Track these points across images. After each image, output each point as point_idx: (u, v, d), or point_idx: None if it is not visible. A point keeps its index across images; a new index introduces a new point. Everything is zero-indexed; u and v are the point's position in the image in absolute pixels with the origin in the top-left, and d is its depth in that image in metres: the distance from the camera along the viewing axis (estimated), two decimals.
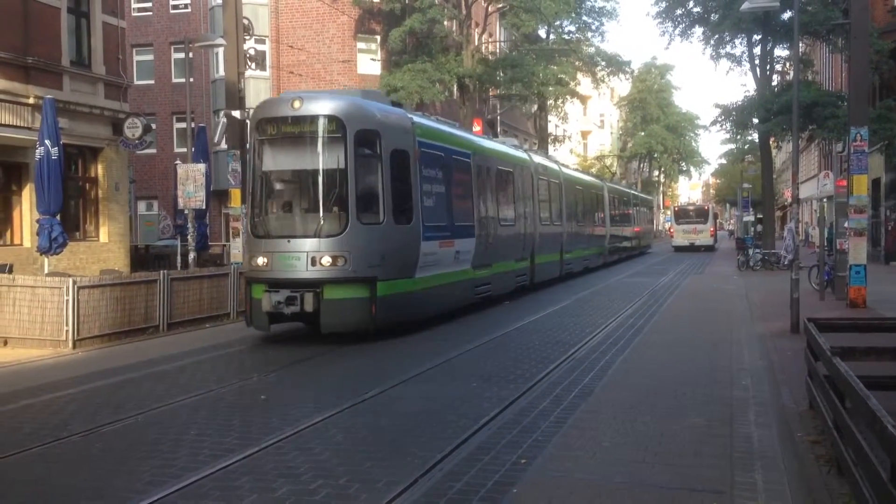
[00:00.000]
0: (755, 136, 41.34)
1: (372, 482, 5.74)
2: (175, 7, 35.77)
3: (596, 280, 26.02)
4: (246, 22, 18.52)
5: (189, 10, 35.36)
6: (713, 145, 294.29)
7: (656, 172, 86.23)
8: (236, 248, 17.50)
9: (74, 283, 12.60)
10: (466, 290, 16.39)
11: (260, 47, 30.32)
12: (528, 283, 21.17)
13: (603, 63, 44.68)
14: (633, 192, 48.39)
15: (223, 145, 22.40)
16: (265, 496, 5.50)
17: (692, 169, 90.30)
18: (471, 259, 16.48)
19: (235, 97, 17.65)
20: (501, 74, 36.44)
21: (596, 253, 31.40)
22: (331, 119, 12.74)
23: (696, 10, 37.62)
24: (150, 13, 35.87)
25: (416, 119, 14.86)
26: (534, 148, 40.82)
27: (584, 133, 78.56)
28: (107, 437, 7.21)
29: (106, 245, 20.78)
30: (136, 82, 32.11)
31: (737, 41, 37.49)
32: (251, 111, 14.99)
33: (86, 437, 7.15)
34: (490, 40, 43.06)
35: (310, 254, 12.34)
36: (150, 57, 35.87)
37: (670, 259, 39.77)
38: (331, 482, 5.76)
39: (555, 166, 26.11)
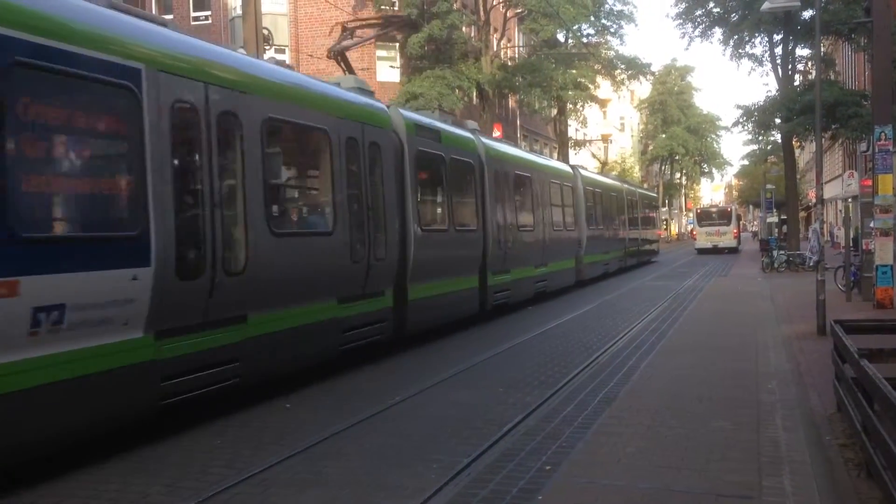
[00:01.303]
0: (778, 137, 41.06)
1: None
2: (196, 19, 36.11)
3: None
4: (266, 32, 18.68)
5: (210, 21, 35.70)
6: (735, 146, 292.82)
7: (678, 175, 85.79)
8: None
9: None
10: (123, 399, 7.00)
11: (280, 57, 30.53)
12: (386, 339, 11.74)
13: (622, 66, 44.58)
14: (626, 184, 37.80)
15: None
16: None
17: (714, 171, 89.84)
18: (143, 317, 7.11)
19: None
20: (520, 80, 36.48)
21: (561, 269, 21.96)
22: None
23: (715, 10, 37.52)
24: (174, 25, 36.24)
25: None
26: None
27: (604, 136, 78.33)
28: None
29: None
30: None
31: (757, 41, 37.36)
32: None
33: None
34: (509, 45, 43.11)
35: None
36: None
37: (689, 265, 39.25)
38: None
39: (466, 136, 15.71)
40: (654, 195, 51.75)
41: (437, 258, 13.35)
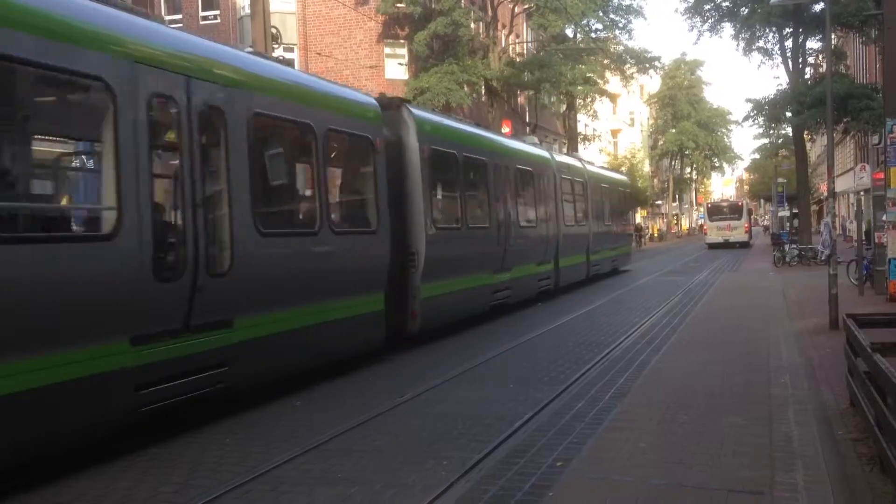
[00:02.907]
0: (789, 130, 40.91)
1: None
2: (205, 18, 36.18)
3: None
4: (274, 31, 18.67)
5: (218, 20, 35.75)
6: (746, 140, 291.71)
7: (688, 170, 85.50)
8: None
9: None
10: None
11: (288, 55, 30.56)
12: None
13: (632, 61, 44.39)
14: (566, 159, 23.95)
15: None
16: None
17: (725, 165, 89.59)
18: None
19: None
20: (529, 75, 36.36)
21: (318, 324, 9.55)
22: None
23: (725, 4, 37.36)
24: (181, 24, 36.33)
25: None
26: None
27: (613, 132, 78.07)
28: None
29: None
30: None
31: (768, 34, 37.18)
32: None
33: None
34: (517, 41, 42.99)
35: None
36: None
37: (699, 260, 39.10)
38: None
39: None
40: (625, 178, 34.80)
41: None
